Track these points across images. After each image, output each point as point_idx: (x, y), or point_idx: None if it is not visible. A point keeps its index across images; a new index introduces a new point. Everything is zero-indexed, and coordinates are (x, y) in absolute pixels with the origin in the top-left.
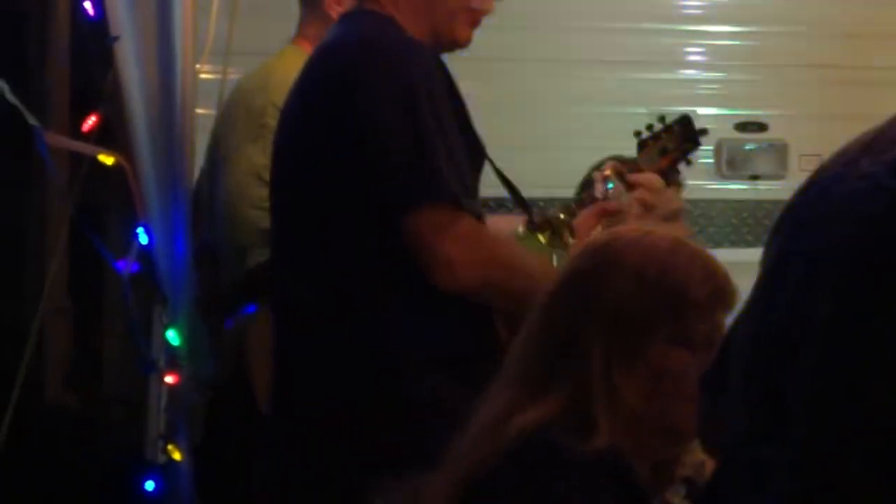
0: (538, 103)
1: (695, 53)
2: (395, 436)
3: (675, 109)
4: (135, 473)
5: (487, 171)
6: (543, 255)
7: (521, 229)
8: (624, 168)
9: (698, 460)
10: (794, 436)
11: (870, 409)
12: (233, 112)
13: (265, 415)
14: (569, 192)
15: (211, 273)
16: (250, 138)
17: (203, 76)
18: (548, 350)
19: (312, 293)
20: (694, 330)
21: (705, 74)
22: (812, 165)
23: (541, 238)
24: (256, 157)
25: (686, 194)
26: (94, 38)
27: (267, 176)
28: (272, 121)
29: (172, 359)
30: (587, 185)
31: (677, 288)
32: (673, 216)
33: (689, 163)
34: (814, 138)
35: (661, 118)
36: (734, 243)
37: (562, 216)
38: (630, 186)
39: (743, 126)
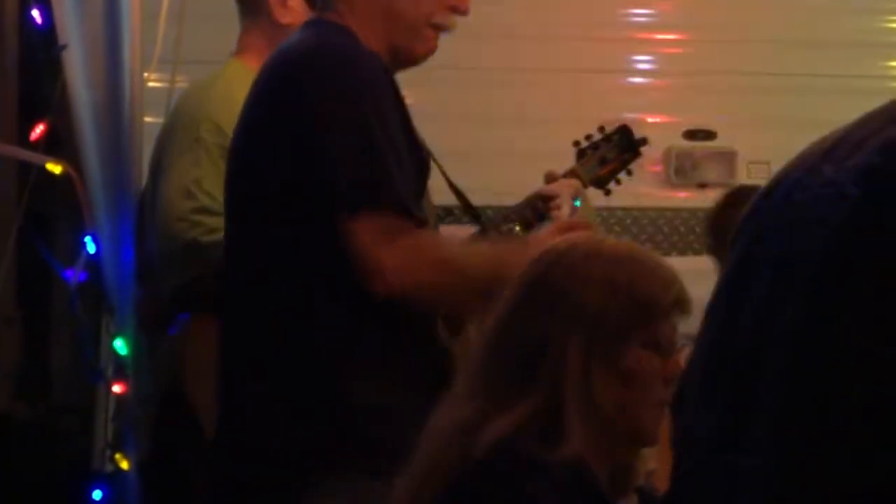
0: (484, 112)
1: (642, 61)
2: (334, 440)
3: (624, 117)
4: (82, 482)
5: (438, 179)
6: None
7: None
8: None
9: (649, 469)
10: (765, 442)
11: (839, 414)
12: (171, 124)
13: (206, 426)
14: (514, 199)
15: (150, 286)
16: (184, 151)
17: (151, 84)
18: (515, 359)
19: (255, 299)
20: (661, 334)
21: (653, 82)
22: (761, 173)
23: None
24: (188, 170)
25: (634, 202)
26: (42, 46)
27: (196, 189)
28: (207, 135)
29: (120, 368)
30: (543, 198)
31: (647, 294)
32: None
33: (629, 173)
34: (762, 146)
35: (601, 128)
36: (682, 251)
37: (517, 228)
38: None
39: (691, 134)
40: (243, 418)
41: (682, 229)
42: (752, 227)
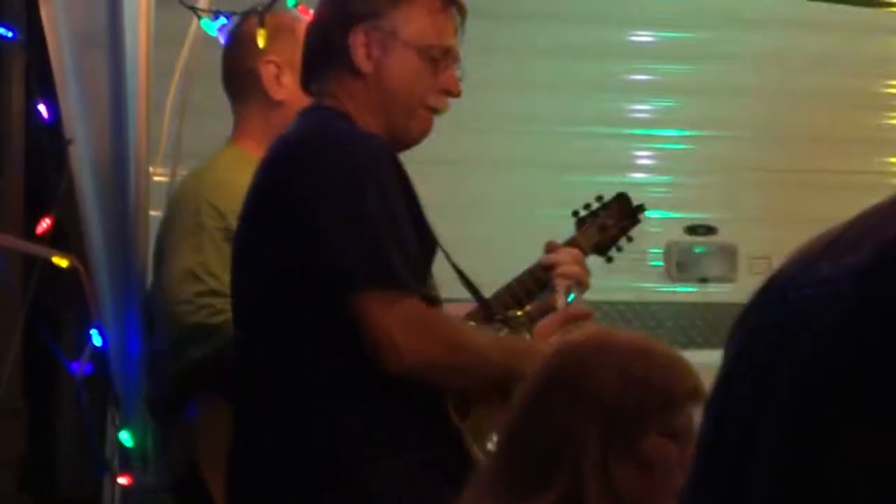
0: (483, 205)
1: (643, 157)
2: None
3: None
4: None
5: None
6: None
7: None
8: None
9: None
10: None
11: None
12: (171, 214)
13: None
14: None
15: (159, 374)
16: (185, 237)
17: (157, 178)
18: (536, 453)
19: (266, 384)
20: (678, 424)
21: (654, 178)
22: (761, 268)
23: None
24: (190, 255)
25: (636, 297)
26: (49, 140)
27: (200, 273)
28: (207, 219)
29: (126, 460)
30: (545, 268)
31: (663, 384)
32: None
33: (630, 239)
34: (763, 241)
35: (598, 197)
36: (684, 346)
37: (518, 314)
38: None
39: (692, 229)
40: (254, 496)
41: (683, 323)
42: (746, 327)
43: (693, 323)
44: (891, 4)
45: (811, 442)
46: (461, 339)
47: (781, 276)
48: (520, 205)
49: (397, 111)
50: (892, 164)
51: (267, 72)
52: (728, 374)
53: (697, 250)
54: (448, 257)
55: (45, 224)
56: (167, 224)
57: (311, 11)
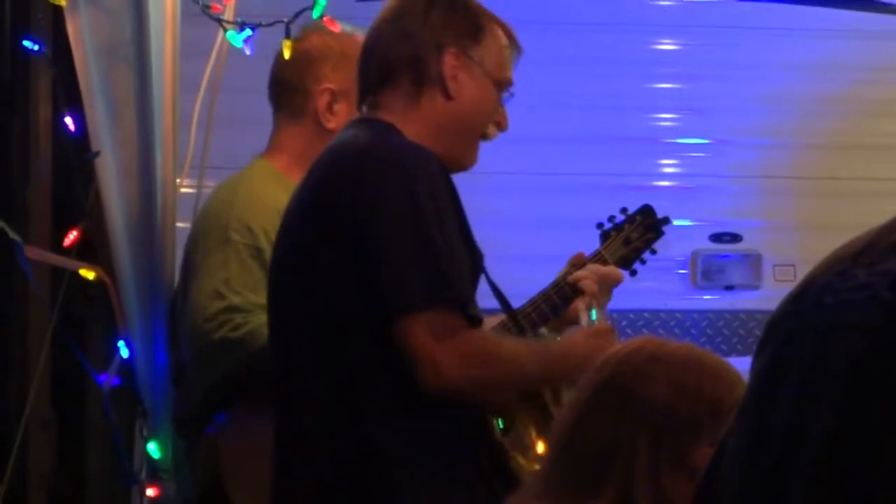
0: (512, 215)
1: (669, 166)
2: None
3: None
4: None
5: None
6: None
7: None
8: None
9: None
10: None
11: None
12: (200, 227)
13: None
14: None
15: (184, 389)
16: (212, 252)
17: (183, 190)
18: (586, 460)
19: (307, 402)
20: None
21: (679, 186)
22: (786, 276)
23: None
24: (216, 271)
25: (661, 304)
26: (75, 153)
27: (223, 290)
28: (236, 235)
29: (154, 472)
30: (570, 283)
31: (714, 394)
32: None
33: (653, 252)
34: (788, 249)
35: (623, 210)
36: None
37: (549, 334)
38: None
39: (717, 237)
40: None
41: (709, 331)
42: (782, 332)
43: (718, 330)
44: None
45: (859, 439)
46: (504, 359)
47: (815, 282)
48: (545, 214)
49: (463, 136)
50: None
51: (322, 100)
52: (764, 379)
53: (723, 258)
54: (486, 273)
55: (72, 236)
56: (196, 238)
57: (338, 23)
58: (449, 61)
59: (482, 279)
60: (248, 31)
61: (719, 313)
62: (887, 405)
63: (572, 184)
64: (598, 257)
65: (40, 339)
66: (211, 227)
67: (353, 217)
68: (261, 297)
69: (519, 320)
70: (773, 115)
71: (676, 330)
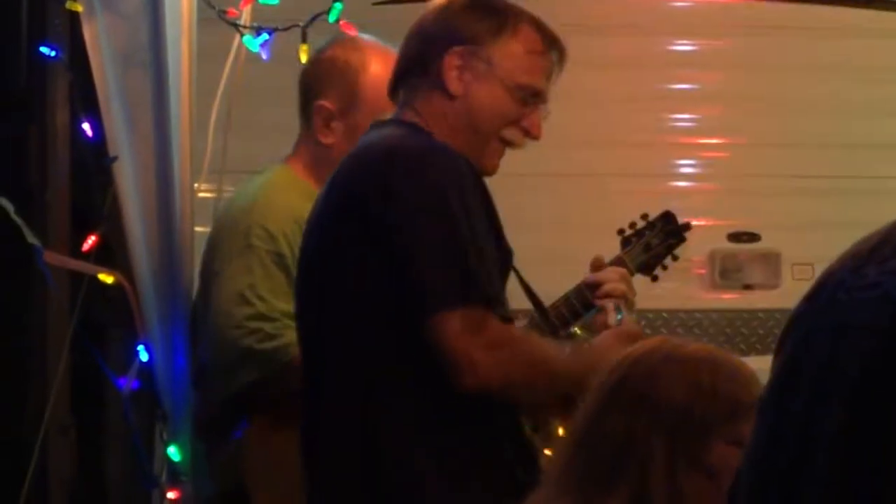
0: (528, 216)
1: (686, 166)
2: None
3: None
4: None
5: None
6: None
7: None
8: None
9: None
10: None
11: None
12: (220, 233)
13: None
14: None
15: (205, 392)
16: (234, 257)
17: (202, 195)
18: (603, 458)
19: (336, 398)
20: (744, 431)
21: (697, 185)
22: (805, 275)
23: None
24: (240, 277)
25: (679, 304)
26: (93, 158)
27: (249, 296)
28: (257, 241)
29: (174, 475)
30: (591, 287)
31: (730, 393)
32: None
33: (675, 258)
34: (806, 247)
35: (644, 215)
36: None
37: (578, 332)
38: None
39: (736, 236)
40: None
41: (727, 331)
42: (798, 331)
43: (737, 330)
44: None
45: (869, 438)
46: (539, 359)
47: (829, 280)
48: (562, 215)
49: (474, 138)
50: None
51: (318, 116)
52: (782, 378)
53: (741, 257)
54: (517, 273)
55: (90, 241)
56: (216, 242)
57: (354, 27)
58: (450, 60)
59: (512, 278)
60: (265, 36)
61: (738, 313)
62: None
63: (589, 184)
64: (618, 262)
65: (60, 344)
66: (232, 232)
67: (380, 216)
68: (285, 304)
69: (550, 318)
70: (792, 114)
71: (695, 330)
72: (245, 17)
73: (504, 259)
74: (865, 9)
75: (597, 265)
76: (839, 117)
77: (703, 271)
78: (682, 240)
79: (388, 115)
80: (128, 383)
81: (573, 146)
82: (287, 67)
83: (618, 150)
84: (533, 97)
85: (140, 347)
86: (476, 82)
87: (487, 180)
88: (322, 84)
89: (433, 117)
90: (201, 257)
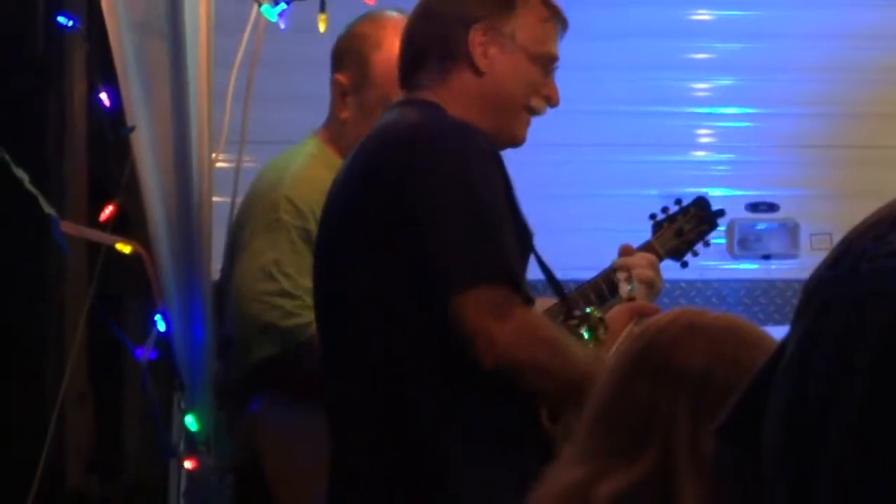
0: (551, 187)
1: (705, 135)
2: None
3: (687, 191)
4: None
5: None
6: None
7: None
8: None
9: None
10: None
11: None
12: (249, 205)
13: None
14: (583, 273)
15: (228, 363)
16: (262, 232)
17: (220, 165)
18: (626, 425)
19: (360, 383)
20: None
21: (716, 156)
22: (823, 244)
23: (584, 334)
24: (266, 251)
25: (698, 274)
26: (111, 128)
27: (274, 271)
28: (286, 216)
29: (191, 444)
30: (611, 287)
31: (752, 362)
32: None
33: (706, 244)
34: (825, 217)
35: (677, 201)
36: None
37: (595, 312)
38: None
39: (754, 206)
40: (351, 493)
41: (746, 301)
42: (818, 300)
43: (756, 300)
44: None
45: (889, 408)
46: (558, 342)
47: (850, 249)
48: (582, 185)
49: (505, 111)
50: None
51: (336, 88)
52: (802, 345)
53: (759, 227)
54: (536, 253)
55: (108, 211)
56: (244, 214)
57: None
58: (475, 37)
59: (532, 258)
60: (283, 5)
61: (756, 282)
62: None
63: (608, 154)
64: (648, 248)
65: (77, 314)
66: (260, 205)
67: (401, 195)
68: (310, 281)
69: (569, 299)
70: (811, 83)
71: (714, 300)
72: None
73: (524, 239)
74: None
75: (626, 251)
76: (861, 86)
77: (721, 241)
78: (715, 226)
79: (401, 97)
80: (145, 353)
81: (589, 116)
82: (305, 36)
83: (637, 120)
84: (550, 63)
85: (157, 317)
86: (502, 56)
87: (504, 152)
88: (341, 58)
89: (456, 96)
90: (230, 227)
